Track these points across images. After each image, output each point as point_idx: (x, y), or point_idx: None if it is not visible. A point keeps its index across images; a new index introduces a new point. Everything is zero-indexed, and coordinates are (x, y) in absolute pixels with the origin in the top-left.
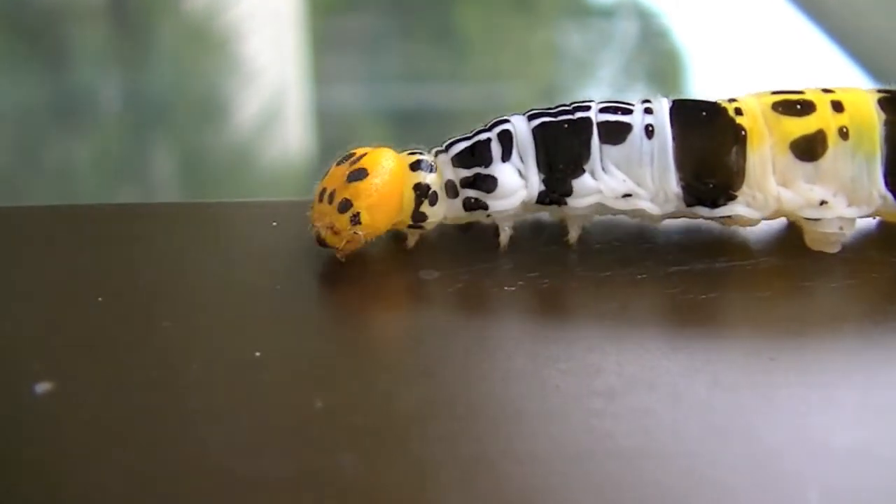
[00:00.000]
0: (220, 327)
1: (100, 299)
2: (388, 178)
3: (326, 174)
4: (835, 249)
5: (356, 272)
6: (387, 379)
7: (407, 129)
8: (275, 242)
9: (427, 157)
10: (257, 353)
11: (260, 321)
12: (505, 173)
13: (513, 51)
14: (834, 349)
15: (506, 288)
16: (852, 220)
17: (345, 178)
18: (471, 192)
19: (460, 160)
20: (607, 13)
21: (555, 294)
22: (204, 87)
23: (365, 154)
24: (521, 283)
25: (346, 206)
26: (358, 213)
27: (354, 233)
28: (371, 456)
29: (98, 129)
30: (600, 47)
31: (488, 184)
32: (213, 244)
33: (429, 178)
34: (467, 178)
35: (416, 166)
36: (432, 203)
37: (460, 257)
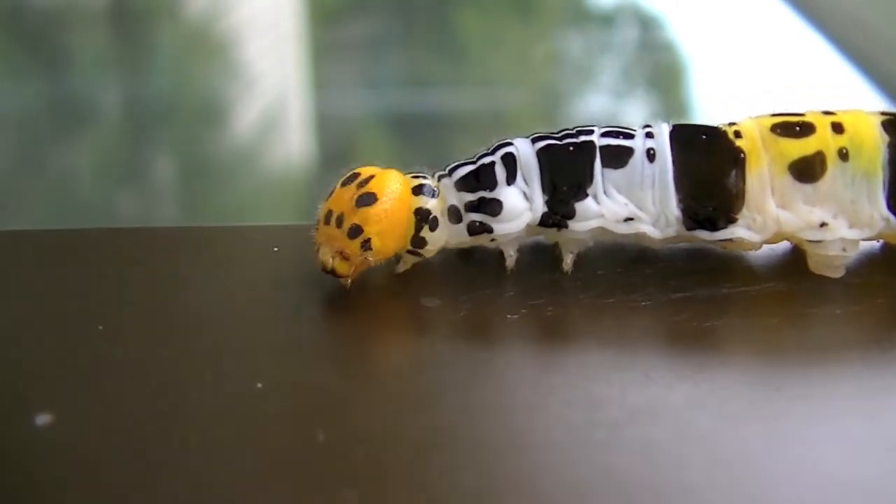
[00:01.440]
0: (220, 357)
1: (100, 328)
2: (397, 202)
3: (331, 195)
4: (838, 274)
5: (357, 300)
6: (389, 410)
7: (407, 134)
8: (275, 269)
9: (430, 182)
10: (258, 385)
11: (261, 351)
12: (510, 196)
13: (513, 56)
14: (840, 378)
15: (508, 316)
16: (855, 242)
17: (353, 203)
18: (475, 216)
19: (464, 184)
20: (608, 20)
21: (557, 322)
22: (204, 93)
23: (372, 176)
24: (523, 310)
25: (356, 231)
26: (369, 239)
27: (365, 259)
28: (373, 489)
29: (98, 135)
30: (600, 53)
31: (493, 207)
32: (213, 270)
33: (430, 203)
34: (472, 202)
35: (418, 191)
36: (432, 228)
37: (462, 284)
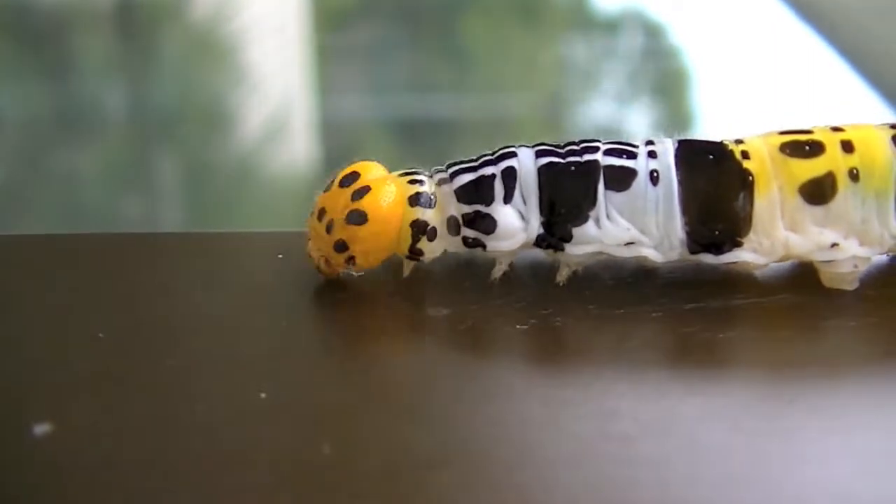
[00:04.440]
0: (224, 366)
1: (101, 335)
2: (386, 224)
3: (328, 189)
4: (852, 287)
5: (364, 310)
6: (397, 423)
7: (412, 139)
8: (281, 276)
9: (426, 189)
10: (262, 395)
11: (265, 360)
12: (506, 216)
13: (518, 62)
14: (854, 391)
15: (517, 326)
16: (867, 258)
17: (344, 215)
18: (469, 232)
19: (463, 195)
20: (613, 26)
21: (568, 333)
22: (209, 97)
23: (368, 188)
24: (533, 321)
25: (342, 246)
26: (353, 257)
27: (348, 271)
28: None
29: (103, 139)
30: (606, 60)
31: (487, 224)
32: (218, 277)
33: (427, 215)
34: (468, 214)
35: (415, 201)
36: (430, 239)
37: (469, 293)
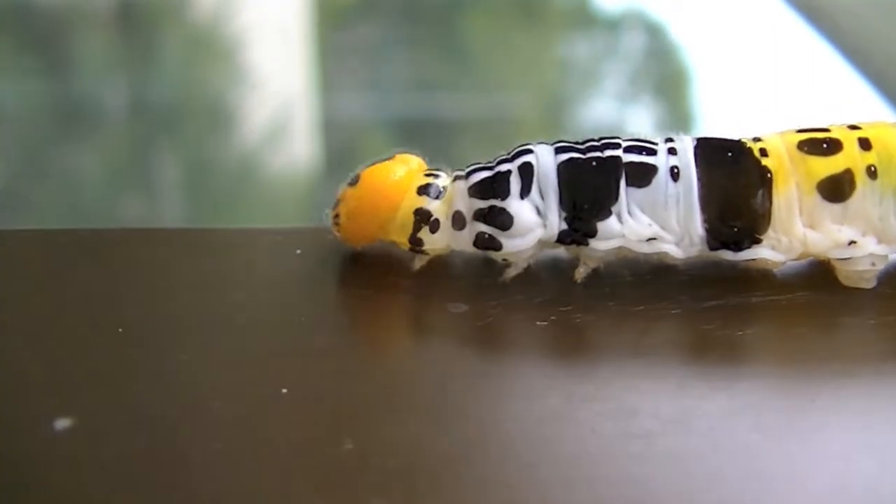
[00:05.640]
0: (243, 362)
1: (120, 330)
2: (373, 194)
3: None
4: (870, 285)
5: (383, 304)
6: (417, 419)
7: (413, 138)
8: (299, 271)
9: (438, 182)
10: (284, 390)
11: (285, 356)
12: (522, 210)
13: (519, 61)
14: (875, 390)
15: (537, 323)
16: (885, 256)
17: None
18: (484, 227)
19: (477, 190)
20: (614, 25)
21: (588, 329)
22: (210, 96)
23: (377, 162)
24: (553, 317)
25: (335, 203)
26: (338, 215)
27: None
28: (403, 501)
29: (104, 137)
30: (606, 59)
31: (503, 219)
32: (236, 272)
33: (432, 205)
34: (482, 209)
35: (423, 190)
36: (433, 230)
37: (489, 290)
